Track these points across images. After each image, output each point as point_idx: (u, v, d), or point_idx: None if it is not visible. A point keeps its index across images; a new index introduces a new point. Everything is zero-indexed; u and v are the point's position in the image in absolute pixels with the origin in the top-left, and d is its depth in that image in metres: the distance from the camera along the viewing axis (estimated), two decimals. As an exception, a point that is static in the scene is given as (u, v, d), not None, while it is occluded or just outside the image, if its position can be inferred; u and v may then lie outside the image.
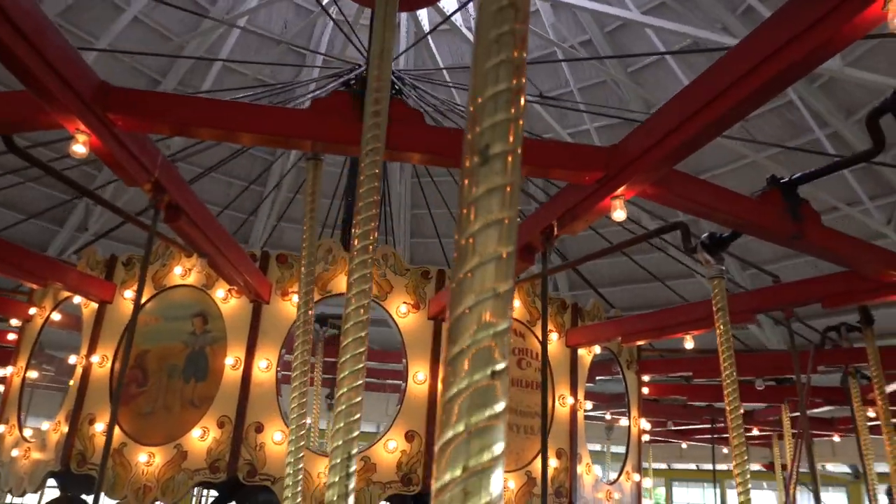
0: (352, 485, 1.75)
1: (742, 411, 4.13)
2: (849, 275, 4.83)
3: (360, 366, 1.81)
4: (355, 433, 1.78)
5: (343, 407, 1.79)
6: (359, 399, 1.76)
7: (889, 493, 9.73)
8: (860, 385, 7.46)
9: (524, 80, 0.78)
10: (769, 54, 2.42)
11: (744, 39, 2.62)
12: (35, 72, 2.71)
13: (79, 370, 6.34)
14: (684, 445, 17.18)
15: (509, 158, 0.76)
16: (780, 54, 2.40)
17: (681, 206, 3.75)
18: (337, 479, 1.75)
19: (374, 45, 2.05)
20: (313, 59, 15.52)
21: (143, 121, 3.27)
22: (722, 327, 4.07)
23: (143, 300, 6.33)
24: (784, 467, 11.63)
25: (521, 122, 0.78)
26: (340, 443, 1.75)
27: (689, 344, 6.21)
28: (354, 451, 1.77)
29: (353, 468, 1.78)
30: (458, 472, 0.65)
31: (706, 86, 2.78)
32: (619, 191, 3.41)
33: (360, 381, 1.80)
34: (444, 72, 14.82)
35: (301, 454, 3.09)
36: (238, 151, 11.32)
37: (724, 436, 13.39)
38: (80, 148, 3.16)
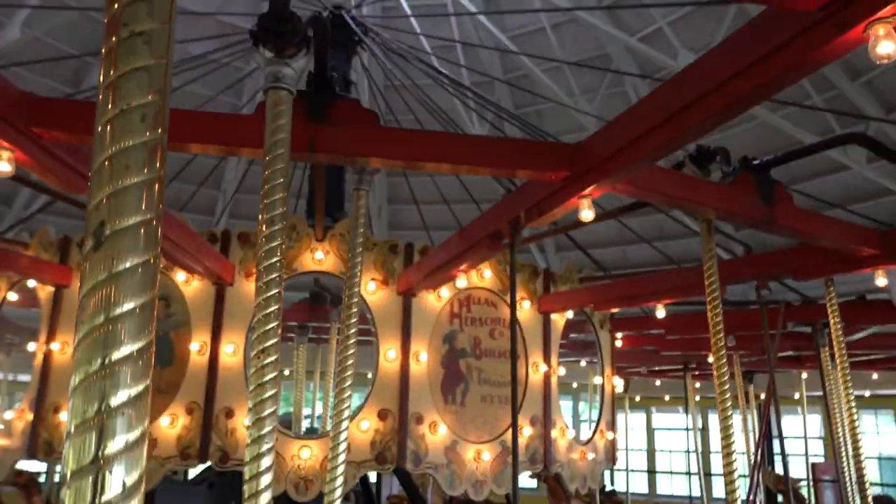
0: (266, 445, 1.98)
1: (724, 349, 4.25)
2: (819, 248, 4.77)
3: (274, 351, 2.15)
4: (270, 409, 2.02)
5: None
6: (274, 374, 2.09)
7: None
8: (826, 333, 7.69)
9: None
10: (739, 71, 2.24)
11: (709, 52, 2.43)
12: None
13: (39, 357, 6.17)
14: (658, 382, 17.66)
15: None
16: (750, 71, 2.23)
17: (651, 199, 3.61)
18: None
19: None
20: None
21: (72, 132, 3.02)
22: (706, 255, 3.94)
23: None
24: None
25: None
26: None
27: (660, 312, 6.18)
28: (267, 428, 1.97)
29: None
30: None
31: (682, 90, 2.60)
32: (587, 190, 3.25)
33: (273, 374, 2.15)
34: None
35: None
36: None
37: (697, 373, 13.71)
38: (4, 166, 2.92)
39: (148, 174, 0.85)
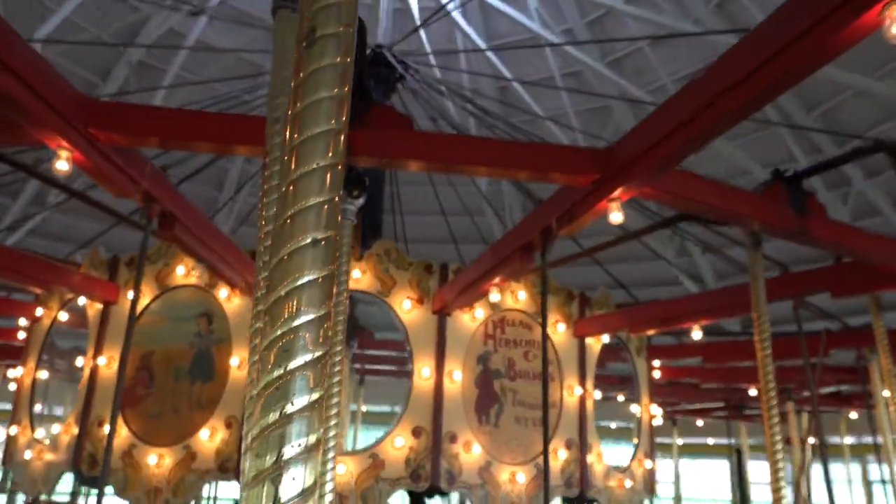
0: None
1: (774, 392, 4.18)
2: (857, 264, 4.72)
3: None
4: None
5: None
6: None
7: None
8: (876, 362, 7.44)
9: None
10: (763, 61, 2.31)
11: (736, 45, 2.51)
12: (8, 89, 2.66)
13: (86, 371, 6.37)
14: (700, 423, 17.18)
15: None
16: (775, 60, 2.30)
17: (680, 206, 3.66)
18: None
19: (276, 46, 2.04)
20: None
21: (126, 135, 3.22)
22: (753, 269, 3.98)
23: (148, 301, 6.34)
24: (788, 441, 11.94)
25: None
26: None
27: (696, 334, 6.12)
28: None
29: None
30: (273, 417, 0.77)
31: (700, 91, 2.68)
32: (616, 193, 3.32)
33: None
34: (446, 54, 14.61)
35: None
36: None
37: (744, 413, 13.15)
38: (63, 165, 3.12)
39: (327, 230, 0.87)
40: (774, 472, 3.88)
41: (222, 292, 6.14)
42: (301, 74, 0.87)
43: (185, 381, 6.03)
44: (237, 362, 5.89)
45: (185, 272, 6.33)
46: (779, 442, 3.93)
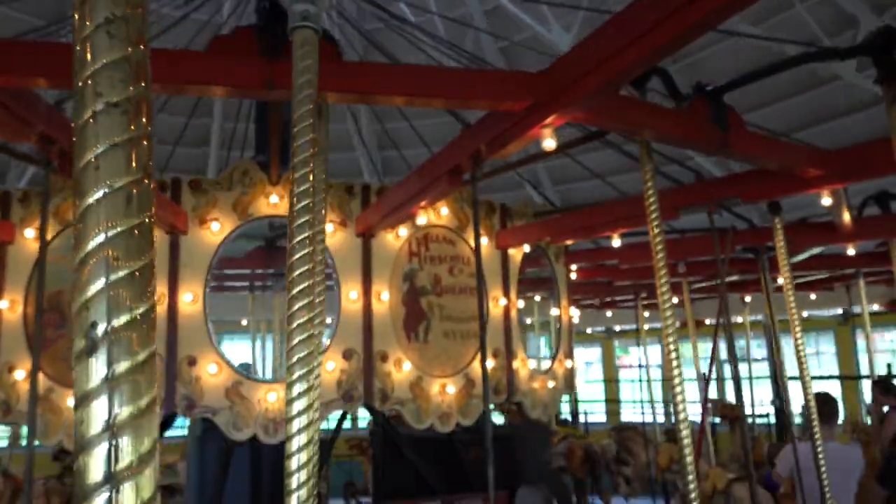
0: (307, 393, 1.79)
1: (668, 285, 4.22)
2: (765, 172, 4.92)
3: (310, 298, 1.81)
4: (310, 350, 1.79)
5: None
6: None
7: None
8: (769, 258, 8.01)
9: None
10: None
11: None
12: None
13: (-12, 317, 5.98)
14: (609, 314, 18.19)
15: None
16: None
17: (610, 127, 3.66)
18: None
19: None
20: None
21: (17, 75, 2.87)
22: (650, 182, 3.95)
23: (49, 238, 5.92)
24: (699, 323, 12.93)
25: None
26: (295, 359, 1.78)
27: (616, 242, 6.32)
28: (312, 372, 1.80)
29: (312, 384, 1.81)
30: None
31: (645, 12, 2.61)
32: (549, 119, 3.27)
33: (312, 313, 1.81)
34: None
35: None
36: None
37: (647, 302, 13.99)
38: (-54, 112, 2.77)
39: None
40: (668, 353, 3.95)
41: (131, 225, 5.80)
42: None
43: (100, 319, 5.75)
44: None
45: (87, 206, 5.92)
46: (672, 325, 3.94)
